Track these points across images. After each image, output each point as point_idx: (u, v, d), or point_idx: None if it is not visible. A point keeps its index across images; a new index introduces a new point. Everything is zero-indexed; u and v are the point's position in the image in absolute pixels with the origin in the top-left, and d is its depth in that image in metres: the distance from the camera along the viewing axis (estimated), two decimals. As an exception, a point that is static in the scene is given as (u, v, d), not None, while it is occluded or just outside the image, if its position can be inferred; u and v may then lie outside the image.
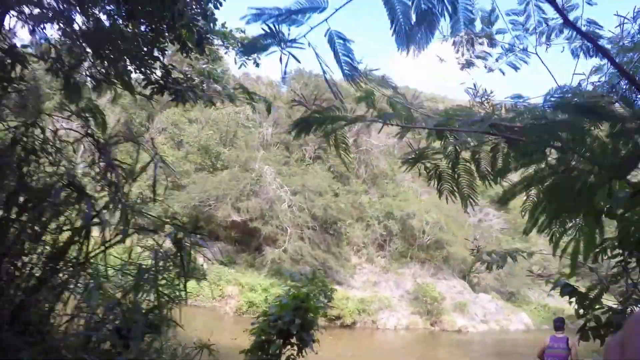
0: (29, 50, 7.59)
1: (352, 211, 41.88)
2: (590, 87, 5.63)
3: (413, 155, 4.84)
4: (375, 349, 27.60)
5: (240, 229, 38.33)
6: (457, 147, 4.51)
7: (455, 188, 5.01)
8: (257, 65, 9.38)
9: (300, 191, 38.48)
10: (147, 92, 8.49)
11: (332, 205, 38.64)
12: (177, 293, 4.46)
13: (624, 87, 5.12)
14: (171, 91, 8.53)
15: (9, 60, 6.21)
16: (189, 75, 9.09)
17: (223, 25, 8.95)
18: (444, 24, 4.00)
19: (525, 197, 4.77)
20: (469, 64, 7.23)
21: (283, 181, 38.92)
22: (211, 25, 8.43)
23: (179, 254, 4.24)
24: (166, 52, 8.68)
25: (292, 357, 7.22)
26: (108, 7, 7.57)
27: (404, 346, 30.36)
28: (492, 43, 6.56)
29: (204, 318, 25.94)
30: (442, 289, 41.21)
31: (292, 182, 39.06)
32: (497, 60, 6.67)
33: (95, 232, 3.93)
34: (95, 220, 3.94)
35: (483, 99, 6.11)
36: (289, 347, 7.22)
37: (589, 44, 5.64)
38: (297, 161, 44.46)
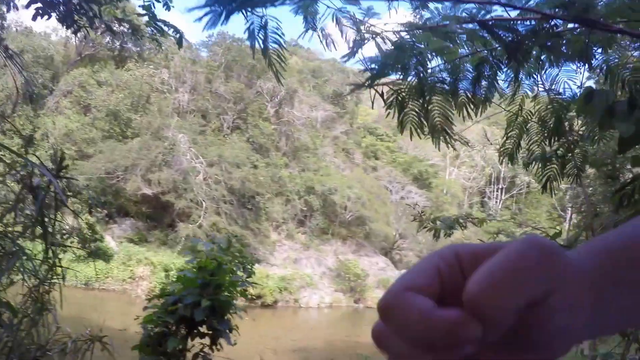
0: None
1: (272, 185, 39.66)
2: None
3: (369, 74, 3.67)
4: (299, 328, 25.68)
5: (151, 203, 35.19)
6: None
7: (424, 120, 4.25)
8: (168, 8, 8.44)
9: (216, 162, 35.83)
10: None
11: (251, 177, 36.28)
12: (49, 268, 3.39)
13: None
14: (60, 13, 6.89)
15: None
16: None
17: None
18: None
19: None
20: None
21: (198, 151, 35.97)
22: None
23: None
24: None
25: (201, 353, 5.11)
26: None
27: (328, 324, 28.63)
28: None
29: (114, 303, 23.10)
30: (364, 265, 40.01)
31: (208, 153, 36.21)
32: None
33: None
34: None
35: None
36: (198, 338, 5.12)
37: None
38: (214, 131, 41.50)
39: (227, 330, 5.11)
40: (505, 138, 5.75)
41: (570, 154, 5.07)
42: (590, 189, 34.79)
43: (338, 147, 54.88)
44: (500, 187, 79.71)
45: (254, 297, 30.82)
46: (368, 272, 39.01)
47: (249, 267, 5.93)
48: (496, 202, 78.80)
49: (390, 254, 48.53)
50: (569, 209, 76.35)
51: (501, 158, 5.80)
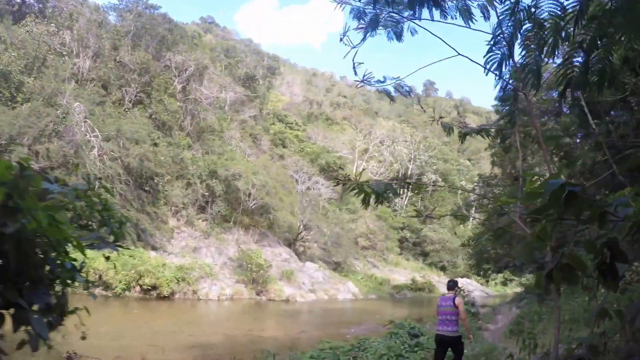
0: None
1: (173, 166, 36.72)
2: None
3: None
4: (197, 322, 23.29)
5: (36, 179, 31.28)
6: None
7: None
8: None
9: (114, 137, 32.48)
10: None
11: (150, 156, 33.19)
12: None
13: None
14: None
15: None
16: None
17: None
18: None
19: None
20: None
21: (95, 124, 32.34)
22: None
23: None
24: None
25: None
26: None
27: (229, 318, 26.39)
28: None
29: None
30: (267, 256, 38.17)
31: (105, 127, 32.66)
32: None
33: None
34: None
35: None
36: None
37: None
38: (114, 103, 37.80)
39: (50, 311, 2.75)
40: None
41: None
42: (499, 189, 34.45)
43: (245, 131, 52.61)
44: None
45: (149, 287, 28.39)
46: (271, 262, 37.10)
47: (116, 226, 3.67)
48: (402, 198, 79.37)
49: (294, 245, 46.97)
50: (473, 208, 78.00)
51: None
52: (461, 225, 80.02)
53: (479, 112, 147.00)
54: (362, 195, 5.23)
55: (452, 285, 9.96)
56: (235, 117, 51.61)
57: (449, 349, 9.21)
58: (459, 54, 5.30)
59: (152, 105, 38.21)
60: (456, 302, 9.27)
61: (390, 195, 5.57)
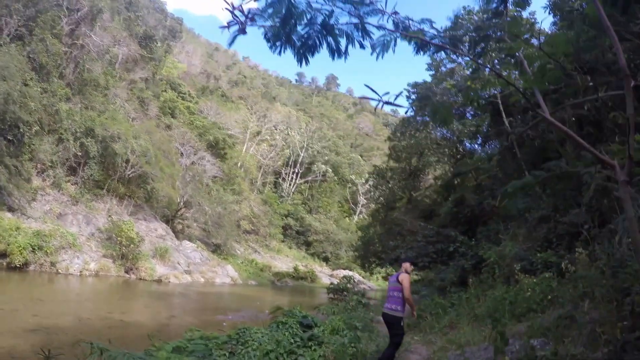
0: None
1: (44, 117, 32.12)
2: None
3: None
4: (49, 300, 19.73)
5: None
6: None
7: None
8: None
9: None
10: None
11: (16, 97, 28.38)
12: None
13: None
14: None
15: None
16: None
17: None
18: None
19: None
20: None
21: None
22: None
23: None
24: None
25: None
26: None
27: (89, 297, 22.89)
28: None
29: None
30: (141, 231, 34.85)
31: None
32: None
33: None
34: None
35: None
36: None
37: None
38: (-10, 33, 32.49)
39: None
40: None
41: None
42: (391, 182, 33.29)
43: (133, 93, 48.29)
44: (296, 171, 78.96)
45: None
46: (144, 238, 33.78)
47: None
48: (290, 185, 77.85)
49: (173, 223, 43.73)
50: (360, 202, 77.87)
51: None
52: (347, 218, 79.91)
53: (376, 113, 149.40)
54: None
55: (402, 260, 9.36)
56: (124, 76, 47.18)
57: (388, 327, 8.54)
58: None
59: (32, 43, 33.22)
60: (399, 277, 8.54)
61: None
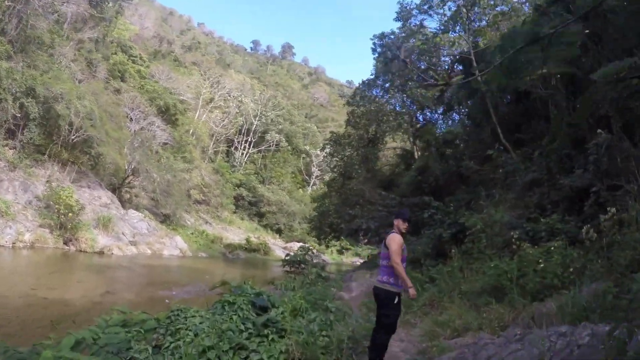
0: None
1: (-21, 75, 29.76)
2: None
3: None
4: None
5: None
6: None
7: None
8: None
9: None
10: None
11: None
12: None
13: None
14: None
15: None
16: None
17: None
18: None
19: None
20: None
21: None
22: None
23: None
24: None
25: None
26: None
27: (15, 270, 20.97)
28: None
29: None
30: (84, 199, 32.91)
31: None
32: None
33: None
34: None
35: None
36: None
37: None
38: None
39: None
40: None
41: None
42: (349, 150, 32.26)
43: (81, 54, 45.61)
44: (249, 139, 77.33)
45: None
46: (86, 206, 31.88)
47: None
48: (243, 154, 76.23)
49: (120, 191, 41.71)
50: (314, 174, 76.99)
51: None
52: (300, 190, 78.94)
53: (331, 83, 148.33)
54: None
55: (392, 219, 6.91)
56: (72, 36, 44.39)
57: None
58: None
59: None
60: (387, 241, 6.49)
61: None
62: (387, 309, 6.31)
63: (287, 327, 8.08)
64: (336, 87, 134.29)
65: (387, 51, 29.92)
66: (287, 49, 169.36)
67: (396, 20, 29.01)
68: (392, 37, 29.95)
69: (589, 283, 7.26)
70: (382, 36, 30.64)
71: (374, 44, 31.17)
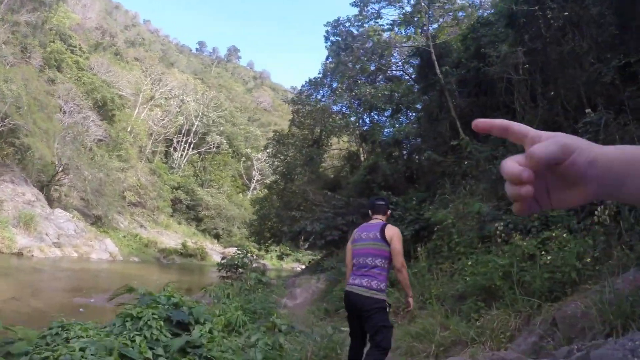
0: None
1: None
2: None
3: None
4: None
5: None
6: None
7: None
8: None
9: None
10: None
11: None
12: None
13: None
14: None
15: None
16: None
17: None
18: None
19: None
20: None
21: None
22: None
23: None
24: None
25: None
26: None
27: None
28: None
29: None
30: (5, 194, 30.32)
31: None
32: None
33: None
34: None
35: None
36: None
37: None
38: None
39: None
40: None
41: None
42: (293, 150, 31.07)
43: (15, 37, 42.53)
44: (189, 140, 74.97)
45: None
46: (7, 203, 29.36)
47: None
48: (182, 155, 73.75)
49: (49, 189, 38.91)
50: (255, 178, 75.31)
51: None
52: (240, 194, 77.05)
53: (276, 89, 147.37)
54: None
55: (383, 206, 5.33)
56: (7, 17, 41.34)
57: (360, 318, 4.83)
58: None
59: None
60: (388, 233, 4.94)
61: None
62: (380, 321, 4.72)
63: (215, 354, 5.60)
64: (280, 93, 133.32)
65: (339, 40, 28.77)
66: (233, 52, 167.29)
67: (352, 6, 27.46)
68: (347, 25, 28.65)
69: (616, 274, 5.82)
70: (336, 23, 29.23)
71: (327, 32, 29.81)
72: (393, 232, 4.96)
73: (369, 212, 5.37)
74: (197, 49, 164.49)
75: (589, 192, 0.74)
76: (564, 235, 7.71)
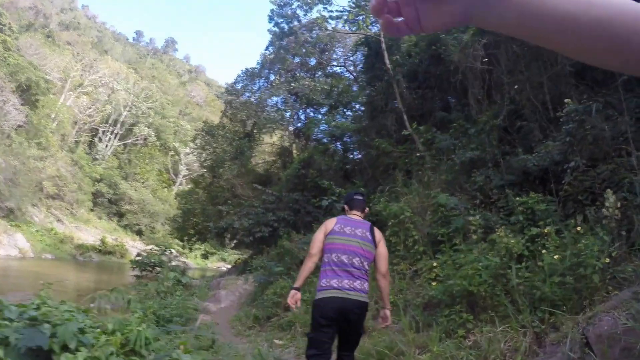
0: None
1: None
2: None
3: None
4: None
5: None
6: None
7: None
8: None
9: None
10: None
11: None
12: None
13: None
14: None
15: None
16: None
17: None
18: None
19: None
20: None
21: None
22: None
23: None
24: None
25: None
26: None
27: None
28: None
29: None
30: None
31: None
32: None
33: None
34: None
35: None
36: None
37: None
38: None
39: None
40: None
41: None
42: (223, 142, 30.45)
43: None
44: (115, 131, 72.87)
45: None
46: None
47: None
48: (107, 146, 71.55)
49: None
50: (181, 173, 73.90)
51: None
52: (165, 189, 75.43)
53: (210, 84, 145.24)
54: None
55: (361, 202, 4.94)
56: None
57: (348, 326, 4.40)
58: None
59: None
60: (377, 235, 4.66)
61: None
62: (361, 327, 4.56)
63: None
64: (215, 88, 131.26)
65: (284, 23, 28.33)
66: (170, 43, 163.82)
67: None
68: (294, 7, 27.89)
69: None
70: (283, 3, 28.43)
71: (272, 10, 29.00)
72: (381, 235, 4.77)
73: (345, 206, 5.00)
74: (134, 39, 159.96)
75: (455, 11, 0.71)
76: (577, 228, 5.97)
